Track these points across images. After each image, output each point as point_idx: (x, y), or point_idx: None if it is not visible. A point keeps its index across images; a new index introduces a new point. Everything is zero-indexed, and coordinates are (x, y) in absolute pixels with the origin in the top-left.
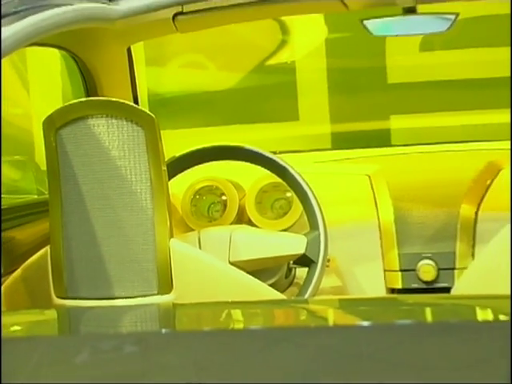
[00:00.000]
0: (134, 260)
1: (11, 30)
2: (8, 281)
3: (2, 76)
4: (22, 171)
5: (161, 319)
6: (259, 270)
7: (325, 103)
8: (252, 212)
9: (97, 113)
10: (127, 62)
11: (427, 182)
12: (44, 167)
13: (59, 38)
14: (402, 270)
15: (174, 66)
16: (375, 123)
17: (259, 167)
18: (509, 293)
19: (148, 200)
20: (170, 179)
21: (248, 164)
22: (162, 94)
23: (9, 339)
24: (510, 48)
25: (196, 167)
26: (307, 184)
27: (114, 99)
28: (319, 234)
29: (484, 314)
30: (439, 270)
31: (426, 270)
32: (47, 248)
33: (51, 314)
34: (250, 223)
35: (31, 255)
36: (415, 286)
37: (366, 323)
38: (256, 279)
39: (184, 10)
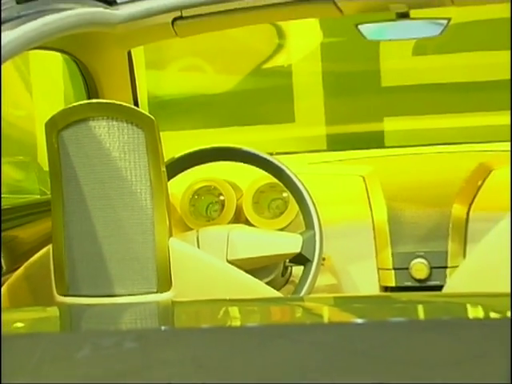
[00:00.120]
0: (134, 258)
1: (15, 33)
2: (11, 278)
3: (6, 79)
4: (25, 172)
5: (160, 316)
6: (256, 268)
7: (320, 106)
8: (249, 212)
9: (98, 115)
10: (127, 66)
11: (420, 183)
12: (46, 168)
13: (61, 42)
14: (395, 269)
15: (173, 70)
16: (369, 125)
17: (256, 168)
18: (499, 290)
19: (148, 200)
20: (169, 180)
21: (245, 165)
22: (162, 96)
23: (12, 336)
24: (500, 52)
25: (195, 168)
26: (303, 184)
27: (114, 102)
28: (314, 234)
29: (475, 312)
30: (431, 268)
31: (419, 268)
32: (49, 247)
33: (53, 311)
34: (248, 223)
35: (34, 254)
36: (408, 284)
37: (360, 320)
38: (253, 277)
39: (183, 15)
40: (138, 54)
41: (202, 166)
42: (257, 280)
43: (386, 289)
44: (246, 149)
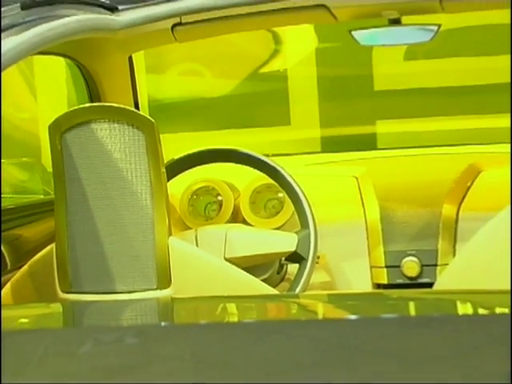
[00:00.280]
0: (135, 256)
1: (19, 39)
2: (16, 276)
3: (12, 83)
4: (30, 172)
5: (160, 313)
6: (253, 266)
7: (315, 109)
8: (246, 211)
9: (100, 118)
10: (128, 70)
11: (411, 184)
12: (50, 169)
13: (64, 47)
14: (387, 267)
15: (172, 74)
16: (362, 128)
17: (253, 169)
18: (488, 288)
19: (148, 200)
20: (168, 180)
21: (242, 166)
22: (162, 100)
23: (17, 331)
24: (489, 57)
25: (193, 169)
26: (298, 185)
27: (116, 105)
28: (309, 233)
29: (464, 308)
30: (422, 266)
31: (410, 266)
32: (53, 245)
33: (56, 308)
34: (245, 222)
35: (38, 252)
36: (400, 281)
37: (353, 317)
38: (250, 275)
39: (182, 21)
40: (139, 58)
41: (201, 167)
42: (253, 277)
43: (378, 286)
44: (243, 150)
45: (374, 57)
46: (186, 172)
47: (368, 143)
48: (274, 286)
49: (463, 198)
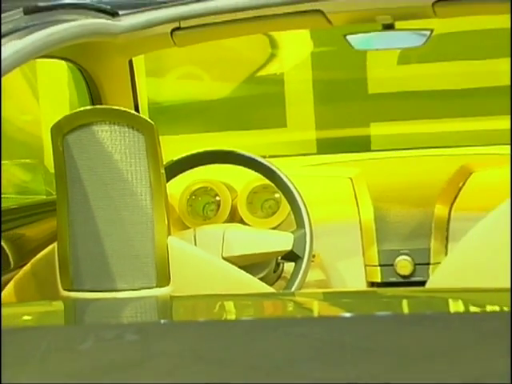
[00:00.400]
0: (135, 255)
1: (22, 43)
2: (19, 274)
3: (15, 86)
4: (32, 173)
5: (159, 310)
6: (250, 264)
7: (310, 111)
8: (243, 211)
9: (101, 120)
10: (129, 73)
11: (404, 184)
12: (52, 170)
13: (66, 51)
14: (381, 265)
15: (172, 77)
16: (357, 130)
17: (250, 170)
18: (479, 286)
19: (148, 200)
20: (168, 181)
21: (240, 167)
22: (161, 102)
23: (20, 328)
24: (479, 61)
25: (192, 170)
26: (294, 186)
27: (116, 107)
28: (305, 232)
29: (456, 306)
30: (415, 265)
31: (403, 265)
32: (55, 244)
33: (58, 305)
34: (242, 222)
35: (40, 251)
36: (393, 279)
37: (347, 314)
38: (247, 273)
39: (181, 26)
40: (139, 62)
41: (199, 168)
42: (250, 276)
43: (372, 284)
44: (240, 152)
45: (368, 61)
46: (185, 173)
47: (362, 145)
48: (271, 285)
49: (455, 198)
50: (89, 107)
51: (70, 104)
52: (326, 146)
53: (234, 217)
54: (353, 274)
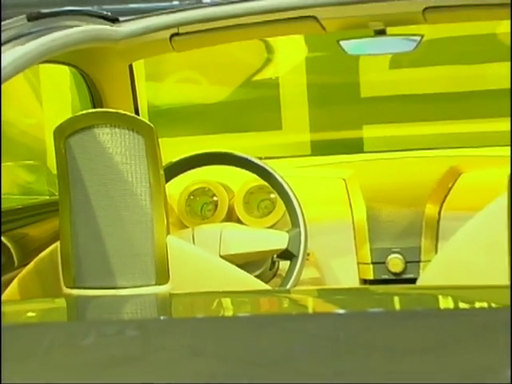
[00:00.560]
0: (135, 254)
1: (26, 48)
2: (23, 272)
3: (18, 90)
4: (36, 174)
5: (159, 307)
6: (246, 262)
7: (305, 114)
8: (240, 211)
9: (102, 123)
10: (129, 78)
11: (396, 185)
12: (55, 171)
13: (68, 56)
14: (373, 263)
15: (170, 81)
16: (350, 132)
17: (247, 171)
18: (468, 283)
19: (147, 200)
20: (167, 182)
21: (237, 168)
22: (161, 106)
23: (23, 325)
24: (468, 66)
25: (190, 171)
26: (289, 186)
27: (117, 111)
28: (300, 231)
29: (446, 303)
30: (406, 262)
31: (395, 262)
32: (57, 243)
33: (61, 302)
34: (239, 221)
35: (43, 249)
36: (385, 277)
37: (341, 311)
38: (244, 271)
39: (180, 32)
40: (139, 67)
41: (197, 169)
42: (247, 274)
43: (365, 281)
44: (237, 154)
45: (360, 65)
46: (184, 174)
47: (355, 147)
48: (267, 282)
49: (445, 198)
50: (90, 110)
51: (72, 107)
52: (320, 148)
53: (231, 216)
54: (346, 271)
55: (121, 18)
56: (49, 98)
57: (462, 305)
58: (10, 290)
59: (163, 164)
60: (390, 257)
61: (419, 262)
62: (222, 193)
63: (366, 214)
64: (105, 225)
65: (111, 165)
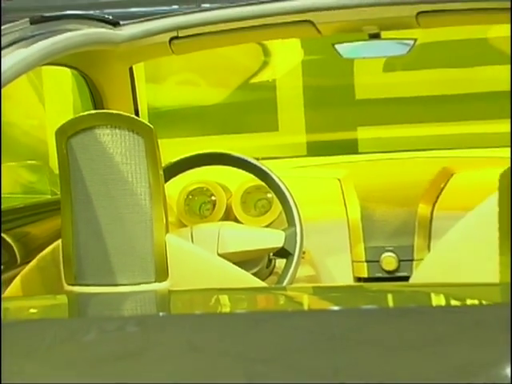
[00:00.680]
0: (135, 252)
1: (29, 51)
2: (25, 269)
3: (21, 92)
4: (38, 174)
5: (158, 304)
6: (244, 260)
7: (301, 116)
8: (238, 210)
9: (102, 124)
10: (129, 80)
11: (390, 185)
12: (57, 171)
13: (70, 59)
14: (367, 261)
15: (170, 84)
16: (345, 134)
17: (244, 172)
18: (460, 281)
19: (147, 200)
20: (166, 182)
21: (234, 169)
22: (160, 107)
23: (26, 321)
24: (460, 69)
25: (189, 171)
26: (285, 186)
27: (117, 112)
28: (296, 230)
29: (438, 300)
30: (400, 261)
31: (389, 261)
32: (59, 241)
33: (62, 299)
34: (236, 220)
35: (45, 248)
36: (379, 275)
37: (336, 308)
38: (241, 269)
39: (179, 35)
40: (139, 69)
41: (196, 169)
42: (244, 271)
43: (359, 279)
44: (234, 154)
45: (355, 68)
46: (182, 174)
47: (350, 148)
48: (263, 280)
49: (437, 198)
50: (91, 112)
51: (73, 109)
52: (316, 149)
53: (228, 215)
54: (341, 269)
55: (121, 22)
56: (51, 100)
57: (453, 302)
58: (13, 287)
59: (162, 164)
60: (383, 255)
61: (412, 260)
62: (219, 192)
63: (361, 214)
64: (105, 223)
65: (112, 165)
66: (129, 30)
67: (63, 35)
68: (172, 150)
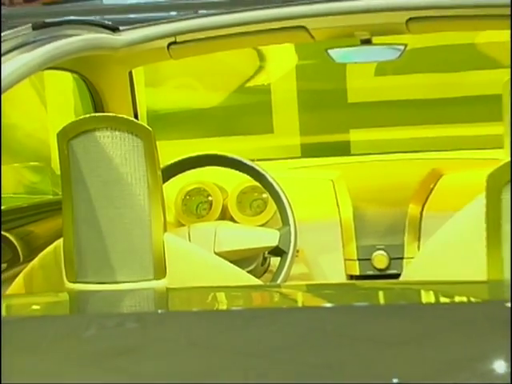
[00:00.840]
0: (134, 250)
1: (31, 56)
2: (27, 267)
3: (25, 95)
4: (40, 175)
5: (156, 301)
6: (239, 259)
7: (295, 119)
8: (233, 210)
9: (103, 126)
10: (129, 84)
11: (381, 186)
12: (58, 172)
13: (71, 63)
14: (359, 259)
15: (168, 87)
16: (337, 136)
17: (240, 173)
18: (448, 279)
19: (145, 200)
20: (164, 183)
21: (230, 170)
22: (159, 110)
23: (28, 317)
24: (449, 74)
25: (186, 172)
26: (280, 187)
27: (117, 115)
28: (290, 229)
29: (428, 297)
30: (390, 259)
31: (380, 259)
32: (60, 240)
33: (64, 296)
34: (232, 220)
35: (47, 246)
36: (370, 272)
37: (328, 304)
38: (237, 267)
39: (177, 40)
40: (138, 73)
41: (193, 170)
42: (240, 269)
43: (351, 277)
44: (230, 156)
45: (347, 73)
46: (180, 175)
47: (342, 149)
48: (259, 277)
49: (427, 198)
50: (92, 115)
51: (74, 112)
52: (310, 151)
53: (224, 215)
54: (333, 267)
55: (121, 28)
56: (53, 103)
57: (442, 299)
58: (16, 284)
59: (161, 165)
60: (374, 253)
61: (402, 258)
62: (216, 193)
63: (353, 213)
64: (105, 223)
65: (111, 166)
66: (128, 35)
67: (65, 40)
68: (170, 151)
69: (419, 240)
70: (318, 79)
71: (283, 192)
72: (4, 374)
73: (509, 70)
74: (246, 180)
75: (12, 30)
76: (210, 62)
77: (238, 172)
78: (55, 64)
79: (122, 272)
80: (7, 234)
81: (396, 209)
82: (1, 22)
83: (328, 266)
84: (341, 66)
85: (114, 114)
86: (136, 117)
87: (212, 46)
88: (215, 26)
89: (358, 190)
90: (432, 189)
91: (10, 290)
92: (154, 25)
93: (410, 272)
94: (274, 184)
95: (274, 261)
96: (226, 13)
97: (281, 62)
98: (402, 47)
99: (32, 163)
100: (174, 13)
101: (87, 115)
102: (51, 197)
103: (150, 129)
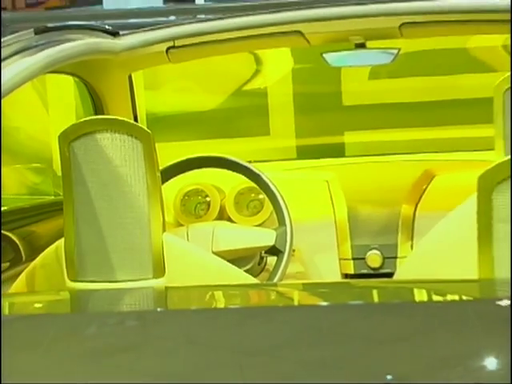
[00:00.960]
0: (133, 250)
1: (33, 60)
2: (29, 266)
3: (27, 98)
4: (42, 176)
5: (156, 299)
6: (237, 258)
7: (291, 121)
8: (231, 210)
9: (103, 129)
10: (128, 87)
11: (375, 186)
12: (60, 173)
13: (72, 67)
14: (353, 259)
15: (167, 90)
16: (332, 138)
17: (237, 174)
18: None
19: (145, 201)
20: (163, 184)
21: (228, 171)
22: (158, 113)
23: (30, 315)
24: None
25: (185, 174)
26: (276, 188)
27: (117, 118)
28: (286, 229)
29: (420, 296)
30: (384, 258)
31: (374, 258)
32: (62, 240)
33: (65, 295)
34: (230, 220)
35: (49, 245)
36: (364, 271)
37: (324, 303)
38: (234, 266)
39: (175, 45)
40: (138, 77)
41: (191, 171)
42: (237, 268)
43: (346, 276)
44: (228, 158)
45: (342, 76)
46: (179, 176)
47: (337, 151)
48: (255, 276)
49: (419, 199)
50: (92, 117)
51: (75, 114)
52: (305, 152)
53: (222, 215)
54: (328, 266)
55: (121, 32)
56: (54, 106)
57: (435, 297)
58: (18, 283)
59: (160, 167)
60: (369, 253)
61: (396, 257)
62: (214, 193)
63: (347, 214)
64: (105, 223)
65: (111, 167)
66: (128, 39)
67: (66, 45)
68: (169, 153)
69: (412, 239)
70: (313, 82)
71: (279, 193)
72: (5, 372)
73: (499, 73)
74: (243, 181)
75: (14, 35)
76: (207, 66)
77: (235, 173)
78: (57, 68)
79: (122, 271)
80: (10, 234)
81: (389, 209)
82: (1, 25)
83: (323, 265)
84: (336, 70)
85: (114, 117)
86: (136, 119)
87: (210, 50)
88: (213, 31)
89: (352, 191)
90: (425, 189)
91: (13, 288)
92: (153, 29)
93: (404, 271)
94: (271, 185)
95: (271, 260)
96: (224, 18)
97: (277, 66)
98: (396, 51)
99: (34, 165)
100: (172, 17)
101: (88, 118)
102: (53, 197)
103: (149, 131)
